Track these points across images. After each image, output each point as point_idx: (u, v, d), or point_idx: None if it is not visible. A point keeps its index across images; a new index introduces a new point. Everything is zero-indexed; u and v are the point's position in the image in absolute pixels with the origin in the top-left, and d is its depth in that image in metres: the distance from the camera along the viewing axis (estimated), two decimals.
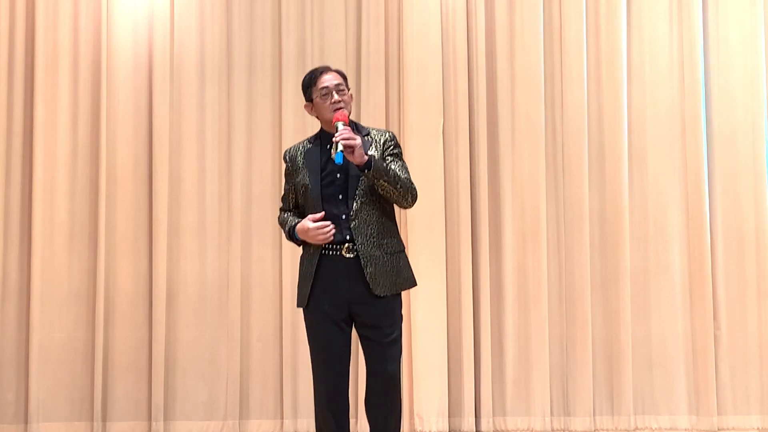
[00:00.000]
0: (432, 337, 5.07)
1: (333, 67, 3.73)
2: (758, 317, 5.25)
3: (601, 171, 5.33)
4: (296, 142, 5.31)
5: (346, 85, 3.66)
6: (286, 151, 3.76)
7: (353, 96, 3.79)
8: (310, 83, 3.64)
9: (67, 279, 5.17)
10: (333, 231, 3.50)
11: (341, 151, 3.38)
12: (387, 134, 3.67)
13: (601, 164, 5.33)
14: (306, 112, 3.74)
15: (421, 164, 5.09)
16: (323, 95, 3.59)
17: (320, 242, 3.51)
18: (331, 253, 3.54)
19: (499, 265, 5.27)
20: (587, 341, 5.20)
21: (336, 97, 3.57)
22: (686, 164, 5.31)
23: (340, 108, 3.56)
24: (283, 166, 3.78)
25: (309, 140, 3.73)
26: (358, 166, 3.44)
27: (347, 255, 3.52)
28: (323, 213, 3.52)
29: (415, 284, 3.70)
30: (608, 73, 5.34)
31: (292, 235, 3.62)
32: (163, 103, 5.24)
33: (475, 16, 5.33)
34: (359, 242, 3.51)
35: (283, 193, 3.81)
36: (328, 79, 3.60)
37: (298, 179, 3.66)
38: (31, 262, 5.11)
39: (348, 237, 3.52)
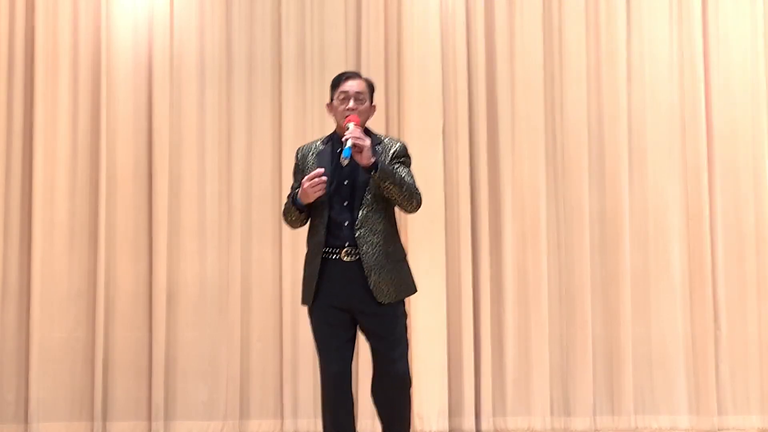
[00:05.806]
0: (432, 337, 5.07)
1: (363, 75, 3.77)
2: (758, 317, 5.25)
3: (601, 171, 5.33)
4: (296, 140, 5.29)
5: (370, 96, 3.69)
6: (298, 149, 3.77)
7: (376, 107, 3.77)
8: (334, 84, 3.69)
9: (67, 279, 5.16)
10: (324, 182, 3.46)
11: (350, 147, 3.40)
12: (399, 144, 3.70)
13: (601, 164, 5.34)
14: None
15: (421, 164, 5.02)
16: (341, 99, 3.63)
17: (315, 193, 3.46)
18: (331, 256, 3.55)
19: (499, 265, 5.28)
20: (587, 341, 5.20)
21: (351, 104, 3.61)
22: (686, 164, 5.31)
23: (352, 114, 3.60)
24: (293, 162, 3.77)
25: (322, 141, 3.74)
26: (364, 167, 3.46)
27: (346, 258, 3.53)
28: (322, 169, 3.48)
29: (415, 291, 3.70)
30: (608, 73, 5.35)
31: (294, 202, 3.58)
32: (163, 103, 5.24)
33: (475, 17, 5.33)
34: (364, 250, 3.51)
35: (290, 190, 3.75)
36: (350, 86, 3.64)
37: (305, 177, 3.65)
38: (31, 262, 5.11)
39: (347, 243, 3.53)
